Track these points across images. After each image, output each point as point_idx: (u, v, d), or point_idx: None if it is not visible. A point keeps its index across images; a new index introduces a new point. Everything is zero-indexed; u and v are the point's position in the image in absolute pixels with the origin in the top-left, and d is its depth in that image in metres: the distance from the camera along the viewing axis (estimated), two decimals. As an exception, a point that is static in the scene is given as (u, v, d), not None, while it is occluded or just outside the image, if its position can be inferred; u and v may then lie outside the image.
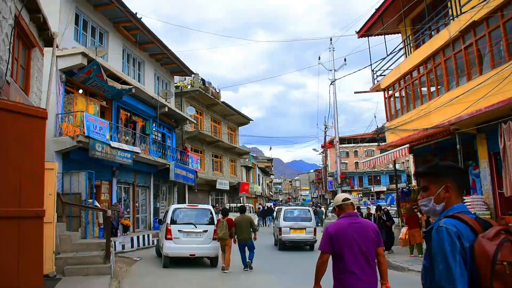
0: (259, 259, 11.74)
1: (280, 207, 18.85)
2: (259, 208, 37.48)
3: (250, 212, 26.85)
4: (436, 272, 1.63)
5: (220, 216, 11.25)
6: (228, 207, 21.47)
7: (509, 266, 1.50)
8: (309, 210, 16.65)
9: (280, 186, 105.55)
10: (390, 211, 16.23)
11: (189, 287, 8.50)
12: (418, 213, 12.45)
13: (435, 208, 1.86)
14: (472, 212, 1.86)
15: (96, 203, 12.93)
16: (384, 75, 17.05)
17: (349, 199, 3.59)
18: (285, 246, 14.68)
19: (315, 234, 14.72)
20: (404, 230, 12.24)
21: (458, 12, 12.04)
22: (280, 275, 9.59)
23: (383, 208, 15.09)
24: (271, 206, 42.18)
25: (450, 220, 1.70)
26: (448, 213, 1.78)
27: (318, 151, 48.89)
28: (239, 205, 20.89)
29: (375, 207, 23.45)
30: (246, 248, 10.18)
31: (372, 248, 3.37)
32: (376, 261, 3.39)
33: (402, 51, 16.28)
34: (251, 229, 10.28)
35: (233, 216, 11.29)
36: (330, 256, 3.39)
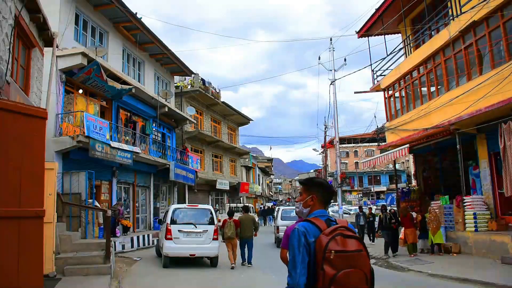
0: (260, 257, 11.77)
1: (279, 207, 19.11)
2: (260, 207, 37.62)
3: (251, 212, 26.95)
4: (289, 261, 2.17)
5: (223, 216, 11.53)
6: (232, 208, 21.65)
7: (335, 253, 2.00)
8: None
9: (280, 186, 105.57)
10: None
11: (189, 287, 8.50)
12: (413, 213, 12.56)
13: (303, 210, 2.41)
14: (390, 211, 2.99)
15: (96, 203, 12.93)
16: (384, 75, 17.05)
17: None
18: None
19: None
20: (403, 229, 12.23)
21: (458, 12, 12.04)
22: (280, 275, 9.57)
23: (389, 208, 14.95)
24: (271, 206, 42.23)
25: (302, 223, 2.22)
26: (309, 216, 2.32)
27: (318, 151, 48.88)
28: (242, 205, 21.35)
29: (374, 206, 23.44)
30: (246, 245, 10.81)
31: None
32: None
33: (402, 51, 16.28)
34: (253, 227, 10.95)
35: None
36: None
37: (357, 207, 20.69)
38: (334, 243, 2.05)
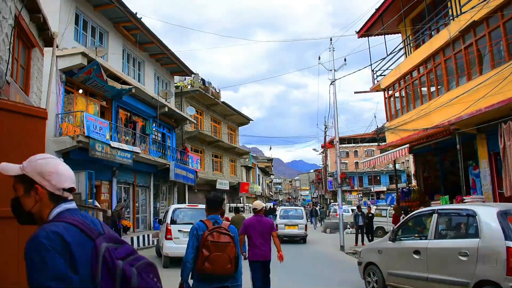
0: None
1: (280, 207, 19.61)
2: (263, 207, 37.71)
3: (251, 212, 26.90)
4: (187, 244, 3.51)
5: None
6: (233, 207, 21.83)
7: (211, 243, 3.31)
8: (301, 209, 19.08)
9: (280, 186, 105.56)
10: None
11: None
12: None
13: (206, 216, 3.81)
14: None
15: (96, 203, 12.92)
16: (384, 75, 17.04)
17: (257, 208, 6.20)
18: (282, 240, 15.83)
19: (306, 229, 17.51)
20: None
21: (458, 12, 12.04)
22: (279, 274, 9.57)
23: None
24: (272, 206, 42.41)
25: (198, 223, 3.58)
26: (202, 218, 3.69)
27: (318, 151, 48.91)
28: (237, 205, 22.16)
29: (374, 206, 23.50)
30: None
31: (268, 232, 5.91)
32: (271, 240, 5.96)
33: (402, 51, 16.27)
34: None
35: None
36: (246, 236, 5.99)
37: (355, 207, 20.60)
38: (211, 236, 3.39)
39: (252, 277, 5.96)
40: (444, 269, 5.50)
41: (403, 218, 12.66)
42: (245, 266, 4.67)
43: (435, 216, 6.01)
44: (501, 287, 4.53)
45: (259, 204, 6.28)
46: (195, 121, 24.85)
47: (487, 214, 5.09)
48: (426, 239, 6.04)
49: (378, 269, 7.08)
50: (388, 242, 6.99)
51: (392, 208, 18.63)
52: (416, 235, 6.60)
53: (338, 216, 17.48)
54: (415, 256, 6.04)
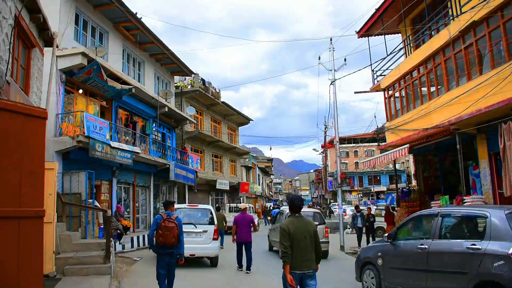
0: (261, 257, 11.75)
1: (283, 208, 19.06)
2: (266, 207, 40.44)
3: (251, 212, 27.01)
4: (151, 226, 6.65)
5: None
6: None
7: (163, 226, 6.23)
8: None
9: (280, 186, 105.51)
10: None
11: (189, 287, 8.50)
12: (394, 212, 14.38)
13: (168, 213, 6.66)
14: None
15: (96, 203, 12.92)
16: (384, 75, 17.04)
17: (242, 208, 10.97)
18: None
19: None
20: (386, 226, 12.60)
21: (458, 12, 12.04)
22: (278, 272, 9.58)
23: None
24: (272, 206, 42.69)
25: (158, 215, 6.53)
26: (164, 213, 6.58)
27: (318, 151, 48.90)
28: (216, 205, 22.93)
29: (374, 206, 23.56)
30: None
31: (248, 224, 10.22)
32: (252, 229, 10.30)
33: (402, 51, 16.27)
34: (224, 222, 15.01)
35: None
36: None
37: (353, 207, 19.98)
38: (163, 223, 6.24)
39: (237, 252, 10.35)
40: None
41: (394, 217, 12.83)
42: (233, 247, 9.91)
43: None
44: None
45: (243, 205, 11.00)
46: (195, 121, 24.85)
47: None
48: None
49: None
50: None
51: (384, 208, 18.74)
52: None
53: (336, 216, 17.42)
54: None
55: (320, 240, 5.40)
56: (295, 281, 4.49)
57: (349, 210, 26.18)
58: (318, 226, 14.22)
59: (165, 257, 6.29)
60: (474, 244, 5.21)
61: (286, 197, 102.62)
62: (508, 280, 4.60)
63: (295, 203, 4.86)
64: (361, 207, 18.97)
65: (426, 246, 5.97)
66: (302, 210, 4.96)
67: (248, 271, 9.99)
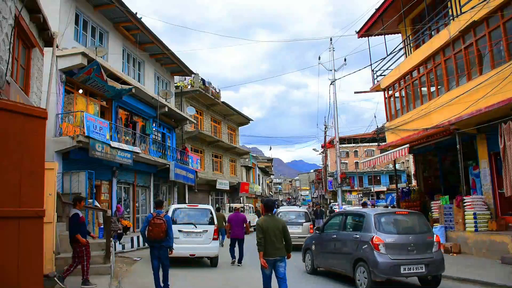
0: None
1: (285, 208, 19.03)
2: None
3: (251, 212, 27.05)
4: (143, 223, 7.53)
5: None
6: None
7: (153, 223, 7.07)
8: (304, 212, 19.99)
9: (280, 186, 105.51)
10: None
11: (189, 287, 8.50)
12: None
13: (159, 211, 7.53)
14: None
15: (96, 203, 12.92)
16: (384, 75, 17.05)
17: (236, 208, 13.36)
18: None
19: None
20: None
21: (458, 12, 12.04)
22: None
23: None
24: None
25: (149, 214, 7.39)
26: (154, 211, 7.58)
27: (318, 151, 48.88)
28: (216, 205, 23.02)
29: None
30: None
31: (241, 222, 11.15)
32: (244, 226, 11.11)
33: (402, 51, 16.27)
34: (224, 222, 14.74)
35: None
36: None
37: (360, 204, 19.72)
38: (153, 220, 7.07)
39: (230, 246, 11.30)
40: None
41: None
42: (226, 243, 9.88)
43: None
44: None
45: (237, 205, 11.80)
46: (195, 121, 24.85)
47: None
48: (338, 230, 8.70)
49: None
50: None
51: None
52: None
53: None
54: (330, 243, 8.70)
55: (303, 236, 8.64)
56: (270, 265, 5.83)
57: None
58: (304, 223, 14.60)
59: (155, 249, 7.12)
60: (357, 235, 7.70)
61: (287, 199, 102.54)
62: (367, 257, 7.12)
63: (268, 205, 6.30)
64: (368, 203, 18.71)
65: (335, 236, 8.60)
66: (293, 209, 7.03)
67: (239, 264, 11.03)
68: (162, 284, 7.18)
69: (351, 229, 8.30)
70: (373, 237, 7.09)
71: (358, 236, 7.60)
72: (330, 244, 8.66)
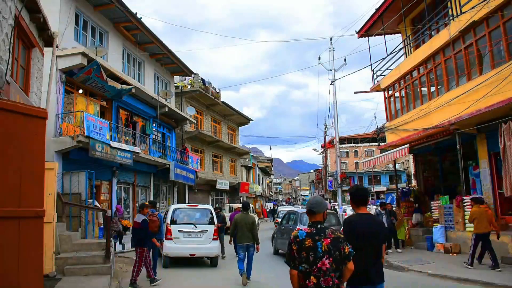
0: (262, 260, 11.74)
1: (294, 210, 17.38)
2: (270, 208, 42.68)
3: (251, 212, 27.01)
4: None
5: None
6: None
7: (149, 220, 8.42)
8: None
9: (280, 186, 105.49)
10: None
11: (189, 287, 8.50)
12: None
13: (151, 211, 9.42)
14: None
15: (96, 203, 12.92)
16: (384, 75, 17.04)
17: (236, 207, 17.25)
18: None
19: None
20: None
21: (458, 12, 12.04)
22: (279, 278, 9.59)
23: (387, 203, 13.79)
24: (272, 206, 42.99)
25: (144, 215, 8.45)
26: (149, 211, 9.10)
27: (318, 151, 48.88)
28: (217, 205, 23.27)
29: (374, 207, 23.46)
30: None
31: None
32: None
33: (402, 51, 16.27)
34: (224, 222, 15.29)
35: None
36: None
37: (379, 204, 15.25)
38: (148, 217, 8.47)
39: (234, 242, 9.74)
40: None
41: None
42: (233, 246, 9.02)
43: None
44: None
45: (236, 205, 12.47)
46: (195, 121, 24.85)
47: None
48: (286, 223, 13.01)
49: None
50: (278, 226, 13.74)
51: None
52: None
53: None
54: (282, 232, 12.60)
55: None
56: (243, 249, 8.29)
57: (349, 210, 26.01)
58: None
59: (150, 241, 8.43)
60: (291, 226, 11.58)
61: (287, 199, 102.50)
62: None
63: (244, 205, 8.88)
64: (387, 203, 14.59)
65: (283, 228, 12.75)
66: (286, 208, 7.77)
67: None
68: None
69: (292, 222, 12.56)
70: (297, 228, 8.96)
71: (291, 228, 11.31)
72: (282, 232, 12.65)
